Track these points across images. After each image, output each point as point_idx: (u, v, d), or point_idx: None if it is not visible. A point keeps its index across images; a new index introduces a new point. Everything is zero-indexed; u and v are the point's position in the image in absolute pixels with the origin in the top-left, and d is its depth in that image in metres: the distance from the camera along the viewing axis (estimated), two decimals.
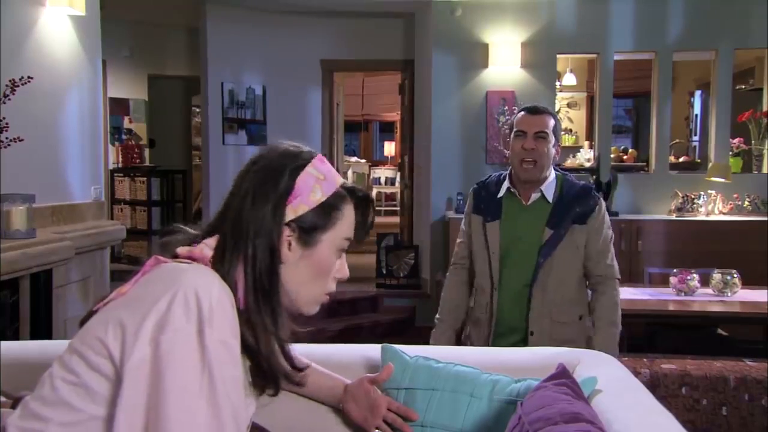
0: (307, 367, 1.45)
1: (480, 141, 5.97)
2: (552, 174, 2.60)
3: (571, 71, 8.41)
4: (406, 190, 7.25)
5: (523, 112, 2.60)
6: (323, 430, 1.61)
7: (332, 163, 1.24)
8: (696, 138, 8.60)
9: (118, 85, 7.86)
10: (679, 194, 5.70)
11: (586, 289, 2.63)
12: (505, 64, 5.88)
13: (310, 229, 1.19)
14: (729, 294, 3.87)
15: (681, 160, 6.88)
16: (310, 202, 1.18)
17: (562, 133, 6.38)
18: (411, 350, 1.70)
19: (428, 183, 6.15)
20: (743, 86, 6.78)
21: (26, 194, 3.14)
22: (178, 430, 0.98)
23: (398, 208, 8.99)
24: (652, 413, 1.34)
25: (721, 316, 3.84)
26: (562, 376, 1.41)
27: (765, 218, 5.44)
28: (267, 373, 1.18)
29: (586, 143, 7.24)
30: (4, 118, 3.06)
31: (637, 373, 2.40)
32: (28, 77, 3.15)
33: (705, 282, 3.96)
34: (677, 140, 7.39)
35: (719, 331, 4.25)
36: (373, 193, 11.45)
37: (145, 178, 7.68)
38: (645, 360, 2.56)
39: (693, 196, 5.68)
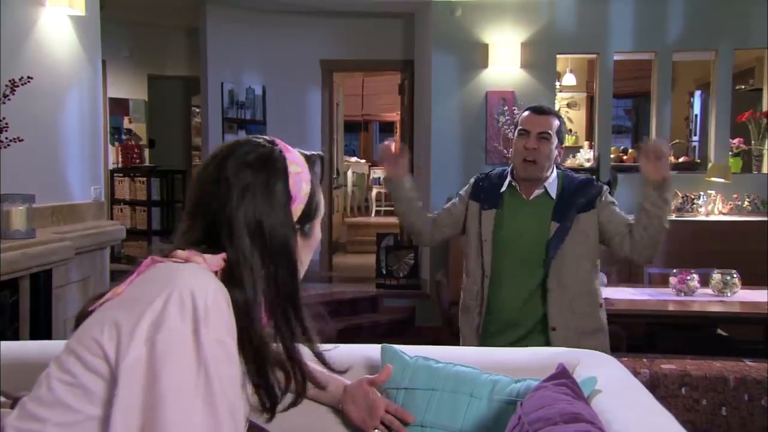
0: (347, 369, 1.46)
1: (480, 141, 5.97)
2: (554, 173, 2.61)
3: (571, 71, 8.41)
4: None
5: (528, 112, 2.62)
6: (322, 431, 1.61)
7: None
8: (696, 138, 8.60)
9: (117, 85, 7.86)
10: (679, 194, 5.70)
11: (599, 278, 2.64)
12: (504, 64, 5.88)
13: (307, 222, 1.22)
14: (729, 294, 3.87)
15: (681, 160, 6.87)
16: (303, 198, 1.20)
17: None
18: (411, 350, 1.70)
19: (428, 183, 6.15)
20: (743, 86, 6.78)
21: (26, 194, 3.14)
22: (174, 429, 0.98)
23: None
24: (652, 413, 1.34)
25: (720, 317, 3.84)
26: (562, 376, 1.41)
27: (765, 218, 5.44)
28: (298, 382, 1.20)
29: (586, 143, 7.23)
30: (4, 118, 3.06)
31: (636, 374, 2.40)
32: (28, 77, 3.15)
33: (705, 282, 3.96)
34: (677, 140, 7.39)
35: (719, 331, 4.25)
36: (373, 193, 11.45)
37: (144, 179, 7.68)
38: (645, 360, 2.56)
39: (693, 197, 5.69)
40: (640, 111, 9.60)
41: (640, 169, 2.54)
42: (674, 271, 4.00)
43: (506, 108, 5.85)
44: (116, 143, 8.01)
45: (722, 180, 5.61)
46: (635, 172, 6.30)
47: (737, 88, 6.39)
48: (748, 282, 4.02)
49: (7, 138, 3.08)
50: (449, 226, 2.75)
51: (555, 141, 2.55)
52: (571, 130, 8.40)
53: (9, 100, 3.09)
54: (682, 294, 3.89)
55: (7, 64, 3.26)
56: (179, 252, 1.13)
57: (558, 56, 6.14)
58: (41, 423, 1.02)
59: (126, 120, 8.10)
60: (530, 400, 1.35)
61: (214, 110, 6.71)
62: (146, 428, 0.98)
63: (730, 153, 5.95)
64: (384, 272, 6.49)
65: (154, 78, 8.26)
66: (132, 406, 0.99)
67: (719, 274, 3.92)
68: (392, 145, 2.64)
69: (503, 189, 2.63)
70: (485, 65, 5.93)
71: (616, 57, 5.95)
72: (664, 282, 4.18)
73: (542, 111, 2.60)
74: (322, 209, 1.26)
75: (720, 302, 3.81)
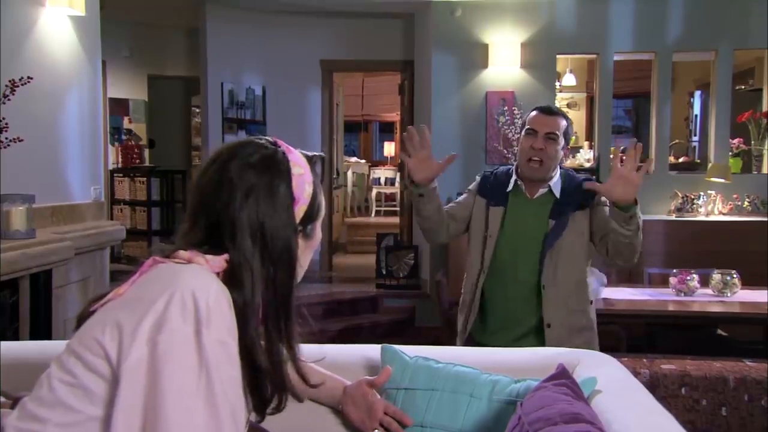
0: (322, 383, 1.48)
1: (480, 141, 5.97)
2: (558, 173, 2.62)
3: (571, 71, 8.41)
4: (405, 190, 7.25)
5: (536, 111, 2.62)
6: (322, 431, 1.61)
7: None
8: (696, 138, 8.61)
9: (117, 85, 7.86)
10: (679, 194, 5.70)
11: (590, 276, 2.64)
12: (504, 64, 5.88)
13: (309, 223, 1.23)
14: (729, 294, 3.87)
15: (681, 160, 6.89)
16: (306, 199, 1.20)
17: None
18: (411, 350, 1.70)
19: None
20: (743, 87, 6.78)
21: (26, 194, 3.14)
22: (176, 430, 0.98)
23: (398, 209, 8.99)
24: (652, 413, 1.34)
25: (720, 317, 3.84)
26: (562, 376, 1.41)
27: (765, 218, 5.44)
28: (279, 388, 1.19)
29: (586, 143, 7.23)
30: (4, 118, 3.06)
31: (636, 374, 2.40)
32: (28, 77, 3.15)
33: (705, 282, 3.96)
34: (677, 141, 7.40)
35: (719, 331, 4.25)
36: (373, 193, 11.45)
37: (144, 179, 7.68)
38: (645, 360, 2.56)
39: (693, 197, 5.68)
40: (640, 111, 9.60)
41: (606, 189, 2.41)
42: (674, 271, 4.00)
43: (506, 108, 5.85)
44: (116, 143, 8.01)
45: (722, 180, 5.61)
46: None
47: (737, 88, 6.39)
48: (748, 282, 4.03)
49: (7, 138, 3.08)
50: (465, 220, 2.74)
51: (562, 142, 2.56)
52: None
53: (9, 100, 3.08)
54: (682, 294, 3.89)
55: (7, 64, 3.26)
56: (181, 253, 1.13)
57: (558, 56, 6.14)
58: (42, 423, 1.02)
59: (126, 120, 8.10)
60: (530, 400, 1.35)
61: (214, 110, 6.71)
62: (147, 428, 0.98)
63: (730, 153, 5.95)
64: (384, 272, 6.49)
65: (154, 78, 8.26)
66: (133, 406, 0.99)
67: (719, 274, 3.92)
68: (416, 135, 2.50)
69: (509, 188, 2.64)
70: (485, 65, 5.93)
71: (616, 57, 5.95)
72: (664, 282, 4.18)
73: (551, 111, 2.61)
74: (323, 210, 1.27)
75: (720, 302, 3.81)
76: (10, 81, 3.10)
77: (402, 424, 1.54)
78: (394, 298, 6.32)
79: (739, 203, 5.73)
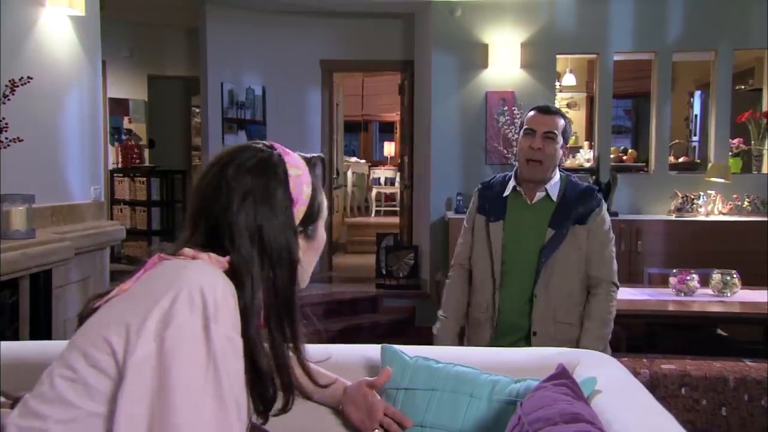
0: (333, 383, 1.49)
1: (479, 141, 5.97)
2: (557, 174, 2.61)
3: (571, 71, 8.41)
4: (405, 190, 7.25)
5: (534, 111, 2.62)
6: (322, 431, 1.61)
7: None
8: (696, 138, 8.61)
9: (117, 85, 7.86)
10: (679, 194, 5.70)
11: (585, 292, 2.63)
12: (504, 64, 5.88)
13: (310, 224, 1.23)
14: (728, 294, 3.87)
15: (681, 160, 6.88)
16: (305, 200, 1.21)
17: None
18: (411, 350, 1.70)
19: (428, 183, 6.15)
20: (743, 86, 6.78)
21: (26, 194, 3.14)
22: (185, 424, 0.98)
23: (398, 209, 8.99)
24: (652, 413, 1.34)
25: (720, 317, 3.83)
26: (562, 376, 1.41)
27: (765, 218, 5.44)
28: (285, 389, 1.20)
29: (586, 143, 7.24)
30: (4, 118, 3.06)
31: (636, 374, 2.40)
32: (28, 77, 3.15)
33: (705, 282, 3.96)
34: (677, 140, 7.39)
35: (719, 331, 4.25)
36: (373, 193, 11.45)
37: (144, 179, 7.68)
38: (644, 360, 2.56)
39: (693, 197, 5.68)
40: (640, 111, 9.60)
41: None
42: (674, 271, 4.00)
43: (506, 108, 5.85)
44: (116, 143, 8.00)
45: (722, 180, 5.61)
46: (635, 172, 6.32)
47: (737, 88, 6.39)
48: (748, 282, 4.02)
49: (7, 138, 3.08)
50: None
51: (560, 141, 2.56)
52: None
53: (9, 100, 3.09)
54: (682, 294, 3.89)
55: (7, 64, 3.26)
56: (186, 250, 1.14)
57: (558, 56, 6.14)
58: (42, 420, 1.02)
59: (126, 120, 8.10)
60: (530, 400, 1.35)
61: (214, 110, 6.70)
62: (155, 423, 0.98)
63: (730, 153, 5.95)
64: (384, 272, 6.49)
65: (154, 78, 8.26)
66: (139, 401, 0.99)
67: (719, 274, 3.91)
68: None
69: (506, 193, 2.63)
70: (485, 65, 5.93)
71: (616, 57, 5.95)
72: (663, 282, 4.18)
73: (549, 111, 2.61)
74: (325, 211, 1.27)
75: (720, 302, 3.81)
76: (10, 81, 3.10)
77: (402, 425, 1.54)
78: (394, 298, 6.32)
79: (739, 203, 5.73)
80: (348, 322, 5.82)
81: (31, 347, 1.78)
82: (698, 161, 7.04)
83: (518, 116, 5.66)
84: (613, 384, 1.50)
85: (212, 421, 1.00)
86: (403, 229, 7.27)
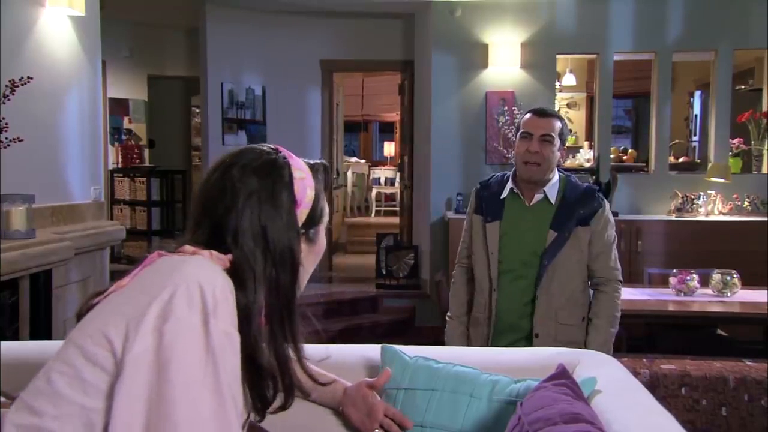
0: (332, 381, 1.49)
1: (479, 141, 5.97)
2: (556, 175, 2.61)
3: (571, 71, 8.41)
4: (405, 190, 7.25)
5: (530, 114, 2.61)
6: (323, 431, 1.61)
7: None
8: (696, 138, 8.61)
9: (117, 85, 7.86)
10: (679, 194, 5.70)
11: (589, 291, 2.64)
12: (504, 64, 5.88)
13: (312, 227, 1.24)
14: (728, 294, 3.87)
15: (681, 160, 6.88)
16: (308, 203, 1.22)
17: None
18: (411, 350, 1.70)
19: (428, 183, 6.15)
20: (743, 87, 6.78)
21: (26, 194, 3.14)
22: (184, 419, 0.98)
23: (398, 209, 8.99)
24: (652, 413, 1.34)
25: (720, 317, 3.84)
26: (562, 376, 1.41)
27: (765, 218, 5.44)
28: (285, 388, 1.21)
29: (586, 143, 7.24)
30: (4, 118, 3.06)
31: (636, 374, 2.40)
32: (28, 77, 3.15)
33: (705, 282, 3.96)
34: (677, 140, 7.40)
35: (719, 331, 4.25)
36: (373, 193, 11.45)
37: (144, 179, 7.68)
38: (644, 360, 2.56)
39: (693, 197, 5.68)
40: (640, 111, 9.60)
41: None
42: (674, 271, 4.00)
43: (506, 108, 5.85)
44: (116, 143, 8.01)
45: (722, 180, 5.61)
46: (635, 172, 6.32)
47: (737, 88, 6.39)
48: (748, 282, 4.03)
49: (7, 138, 3.08)
50: None
51: (557, 143, 2.55)
52: (571, 131, 8.40)
53: (9, 100, 3.09)
54: (682, 294, 3.89)
55: (7, 64, 3.26)
56: (186, 247, 1.15)
57: (558, 56, 6.13)
58: (38, 416, 1.01)
59: (126, 120, 8.10)
60: (530, 400, 1.35)
61: (214, 110, 6.70)
62: (153, 417, 0.98)
63: (730, 153, 5.95)
64: (384, 272, 6.49)
65: (154, 78, 8.26)
66: (137, 395, 0.99)
67: (719, 274, 3.92)
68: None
69: (504, 195, 2.63)
70: (485, 65, 5.93)
71: (616, 57, 5.95)
72: (664, 282, 4.18)
73: (544, 113, 2.60)
74: (326, 216, 1.28)
75: (720, 302, 3.81)
76: (10, 81, 3.10)
77: (402, 426, 1.54)
78: (394, 298, 6.32)
79: (739, 203, 5.73)
80: (348, 322, 5.82)
81: (31, 347, 1.78)
82: (698, 161, 7.05)
83: (518, 116, 5.65)
84: (613, 384, 1.50)
85: (211, 415, 1.00)
86: (403, 229, 7.27)
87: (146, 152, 8.27)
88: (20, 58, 3.42)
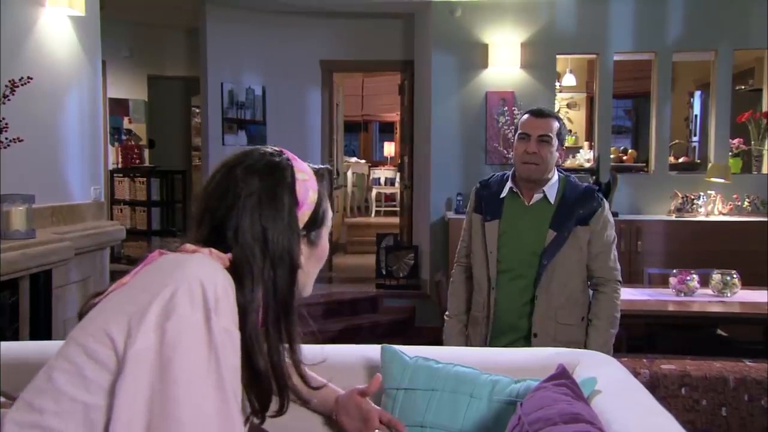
0: (323, 386, 1.48)
1: (479, 141, 5.97)
2: (555, 175, 2.61)
3: (571, 72, 8.41)
4: (405, 190, 7.25)
5: (527, 115, 2.62)
6: None
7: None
8: (696, 138, 8.61)
9: (117, 85, 7.85)
10: (679, 195, 5.70)
11: (588, 291, 2.64)
12: (504, 64, 5.88)
13: (314, 229, 1.25)
14: (728, 294, 3.87)
15: (681, 160, 6.89)
16: (310, 204, 1.23)
17: None
18: (411, 350, 1.70)
19: (428, 183, 6.15)
20: (743, 87, 6.78)
21: (26, 194, 3.14)
22: (188, 416, 0.98)
23: (398, 209, 8.99)
24: (652, 414, 1.34)
25: (720, 317, 3.84)
26: (562, 376, 1.41)
27: (764, 219, 5.44)
28: (280, 389, 1.21)
29: (586, 144, 7.24)
30: (4, 118, 3.06)
31: (636, 374, 2.40)
32: (28, 77, 3.15)
33: (705, 282, 3.96)
34: (677, 141, 7.40)
35: (719, 331, 4.25)
36: (373, 193, 11.45)
37: (144, 179, 7.68)
38: (644, 360, 2.56)
39: (693, 197, 5.68)
40: (640, 111, 9.60)
41: None
42: (674, 271, 4.00)
43: (506, 108, 5.85)
44: (116, 143, 8.00)
45: (722, 180, 5.61)
46: (635, 172, 6.32)
47: (737, 88, 6.39)
48: (748, 282, 4.03)
49: (7, 138, 3.08)
50: None
51: (555, 143, 2.56)
52: (571, 131, 8.40)
53: (9, 100, 3.09)
54: (682, 294, 3.89)
55: (7, 64, 3.26)
56: (187, 246, 1.15)
57: (558, 56, 6.13)
58: (39, 413, 1.01)
59: (126, 120, 8.10)
60: (530, 400, 1.35)
61: (214, 110, 6.70)
62: (155, 414, 0.98)
63: (730, 153, 5.95)
64: (384, 272, 6.49)
65: (154, 78, 8.26)
66: (139, 393, 0.99)
67: (719, 275, 3.92)
68: None
69: (503, 195, 2.63)
70: (485, 65, 5.93)
71: (616, 57, 5.95)
72: (663, 282, 4.18)
73: (542, 114, 2.60)
74: (329, 219, 1.28)
75: (720, 302, 3.81)
76: (10, 81, 3.10)
77: (396, 430, 1.53)
78: (394, 298, 6.32)
79: (739, 203, 5.73)
80: (348, 322, 5.82)
81: (31, 347, 1.78)
82: (698, 161, 7.05)
83: (518, 116, 5.65)
84: (613, 384, 1.50)
85: (215, 412, 1.00)
86: (403, 229, 7.27)
87: (146, 152, 8.27)
88: (20, 58, 3.42)
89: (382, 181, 12.22)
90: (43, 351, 1.64)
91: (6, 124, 3.07)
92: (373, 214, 11.22)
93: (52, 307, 3.28)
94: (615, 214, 5.33)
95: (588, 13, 5.90)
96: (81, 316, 1.12)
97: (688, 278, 3.91)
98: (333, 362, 1.63)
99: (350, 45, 6.93)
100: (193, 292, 1.03)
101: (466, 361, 1.65)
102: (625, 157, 6.82)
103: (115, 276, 4.27)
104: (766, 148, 5.91)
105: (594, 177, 5.62)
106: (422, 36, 6.51)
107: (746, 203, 5.72)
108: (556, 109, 6.40)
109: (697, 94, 8.65)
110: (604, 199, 2.63)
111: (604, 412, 1.34)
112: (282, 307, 1.18)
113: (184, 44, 8.15)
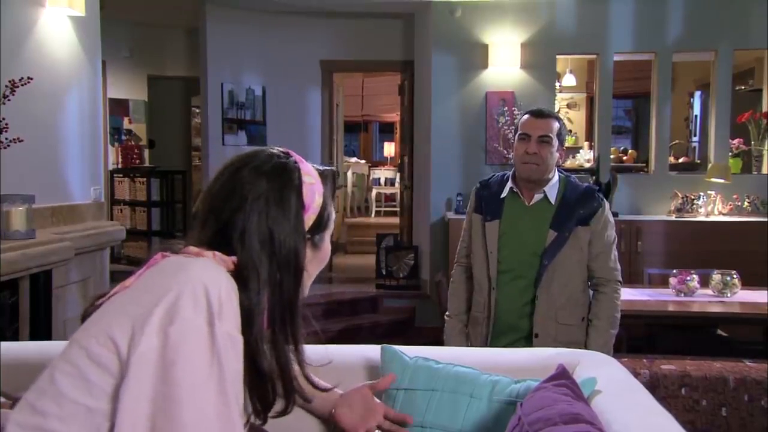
0: (332, 388, 1.47)
1: (479, 141, 5.97)
2: (555, 176, 2.61)
3: (571, 72, 8.41)
4: (405, 190, 7.25)
5: (527, 115, 2.62)
6: None
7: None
8: (696, 139, 8.61)
9: (117, 85, 7.86)
10: (679, 195, 5.70)
11: (589, 291, 2.64)
12: (504, 64, 5.88)
13: (318, 232, 1.25)
14: (728, 294, 3.87)
15: (681, 160, 6.89)
16: (315, 208, 1.22)
17: None
18: (411, 351, 1.70)
19: (428, 184, 6.15)
20: (743, 87, 6.78)
21: (26, 195, 3.14)
22: (191, 420, 0.98)
23: (398, 209, 8.99)
24: (652, 414, 1.34)
25: (720, 317, 3.84)
26: (562, 376, 1.41)
27: (764, 219, 5.44)
28: (286, 391, 1.21)
29: (586, 144, 7.24)
30: (4, 118, 3.06)
31: (636, 374, 2.40)
32: (28, 78, 3.15)
33: (705, 283, 3.96)
34: (677, 141, 7.40)
35: (719, 331, 4.25)
36: (373, 193, 11.45)
37: (144, 179, 7.68)
38: (644, 361, 2.56)
39: (693, 197, 5.68)
40: (640, 111, 9.60)
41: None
42: (674, 271, 4.00)
43: (506, 108, 5.85)
44: (116, 144, 8.01)
45: (722, 180, 5.61)
46: (635, 172, 6.32)
47: (737, 88, 6.39)
48: (748, 282, 4.03)
49: (7, 138, 3.08)
50: None
51: (556, 143, 2.56)
52: (571, 131, 8.40)
53: (9, 100, 3.08)
54: (682, 294, 3.89)
55: (7, 64, 3.26)
56: (190, 248, 1.15)
57: (558, 57, 6.13)
58: (41, 416, 1.01)
59: (126, 120, 8.10)
60: (530, 400, 1.35)
61: (214, 111, 6.70)
62: (159, 418, 0.99)
63: (730, 153, 5.95)
64: (384, 273, 6.49)
65: (154, 78, 8.26)
66: (143, 396, 0.99)
67: (719, 275, 3.92)
68: None
69: (504, 195, 2.63)
70: (485, 66, 5.93)
71: (616, 57, 5.95)
72: (663, 282, 4.18)
73: (542, 114, 2.60)
74: (332, 223, 1.28)
75: (720, 303, 3.81)
76: (10, 81, 3.10)
77: (403, 423, 1.53)
78: (394, 298, 6.32)
79: (739, 203, 5.73)
80: (348, 322, 5.82)
81: (31, 347, 1.78)
82: (698, 161, 7.05)
83: (518, 116, 5.65)
84: (613, 384, 1.50)
85: (216, 416, 1.01)
86: (403, 230, 7.27)
87: (146, 152, 8.27)
88: (20, 59, 3.42)
89: (382, 181, 12.22)
90: (43, 351, 1.64)
91: (6, 124, 3.07)
92: (373, 215, 11.22)
93: (52, 308, 3.28)
94: (615, 215, 5.33)
95: (588, 13, 5.90)
96: (84, 318, 1.11)
97: (688, 278, 3.91)
98: (333, 363, 1.63)
99: (350, 45, 6.93)
100: (196, 296, 1.03)
101: (466, 362, 1.65)
102: (625, 158, 6.82)
103: (115, 276, 4.25)
104: (766, 148, 5.91)
105: (594, 177, 5.62)
106: (422, 36, 6.51)
107: (746, 203, 5.72)
108: (556, 110, 6.40)
109: (697, 94, 8.65)
110: (605, 200, 2.63)
111: (604, 413, 1.34)
112: (288, 309, 1.18)
113: (184, 44, 8.15)
